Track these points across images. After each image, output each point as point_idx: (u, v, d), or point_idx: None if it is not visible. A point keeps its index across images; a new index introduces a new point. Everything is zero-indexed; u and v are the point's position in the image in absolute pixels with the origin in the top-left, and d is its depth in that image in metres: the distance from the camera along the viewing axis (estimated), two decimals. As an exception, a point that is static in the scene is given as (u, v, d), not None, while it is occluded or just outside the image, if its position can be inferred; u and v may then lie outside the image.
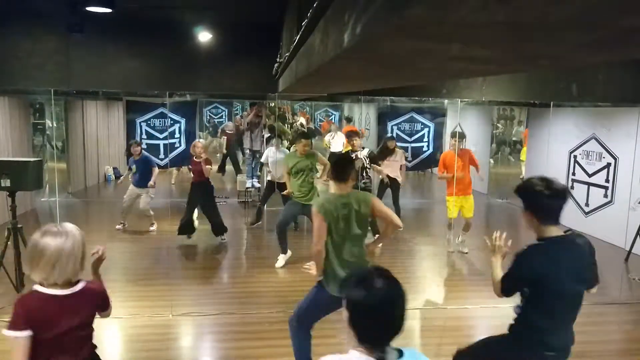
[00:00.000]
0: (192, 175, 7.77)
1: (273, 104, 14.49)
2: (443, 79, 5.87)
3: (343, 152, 13.28)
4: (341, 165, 3.69)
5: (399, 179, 8.57)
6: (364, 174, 7.56)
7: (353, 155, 7.71)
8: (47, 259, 2.26)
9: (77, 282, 2.40)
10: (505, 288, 2.74)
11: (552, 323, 2.61)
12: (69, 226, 2.49)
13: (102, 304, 2.52)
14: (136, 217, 9.01)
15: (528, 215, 2.61)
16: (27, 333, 2.27)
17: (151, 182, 8.15)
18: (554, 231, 2.59)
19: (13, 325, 2.29)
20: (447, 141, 13.07)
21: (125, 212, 8.54)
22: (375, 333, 1.59)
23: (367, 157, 7.58)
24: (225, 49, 6.56)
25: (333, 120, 18.48)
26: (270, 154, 8.47)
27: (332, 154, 13.36)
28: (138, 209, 8.50)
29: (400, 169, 8.58)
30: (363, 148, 7.79)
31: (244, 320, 5.27)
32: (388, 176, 8.31)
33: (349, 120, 14.63)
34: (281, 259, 6.90)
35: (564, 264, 2.56)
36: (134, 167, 8.31)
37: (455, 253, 7.63)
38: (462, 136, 7.72)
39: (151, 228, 8.63)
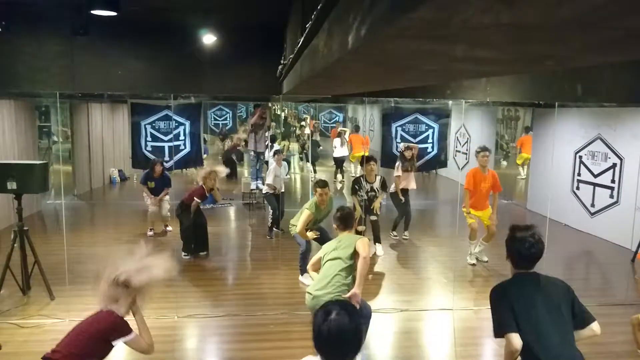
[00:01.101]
0: (188, 198, 7.49)
1: (277, 108, 14.51)
2: (448, 80, 5.85)
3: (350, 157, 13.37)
4: (346, 217, 4.28)
5: (413, 186, 8.50)
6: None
7: (367, 186, 7.42)
8: None
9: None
10: (498, 326, 2.76)
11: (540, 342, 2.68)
12: None
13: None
14: (141, 220, 9.04)
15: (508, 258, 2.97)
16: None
17: (161, 196, 8.48)
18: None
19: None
20: (452, 142, 13.10)
21: (155, 217, 8.67)
22: (327, 354, 1.94)
23: (379, 189, 7.46)
24: (229, 51, 6.57)
25: (342, 125, 18.49)
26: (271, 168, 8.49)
27: (336, 159, 13.42)
28: (161, 215, 8.67)
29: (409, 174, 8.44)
30: (376, 176, 7.53)
31: (249, 322, 5.27)
32: (402, 189, 8.27)
33: (358, 129, 14.55)
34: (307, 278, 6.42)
35: (531, 288, 2.82)
36: (152, 183, 8.50)
37: (475, 264, 7.32)
38: (489, 150, 7.22)
39: (168, 228, 8.75)
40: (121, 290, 2.93)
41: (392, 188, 8.26)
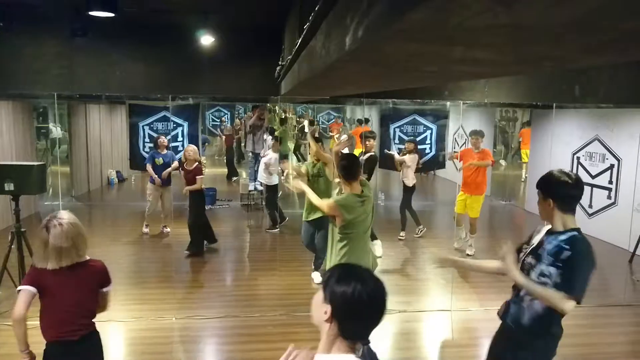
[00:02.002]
0: (184, 182, 7.43)
1: (277, 109, 14.47)
2: (446, 82, 5.86)
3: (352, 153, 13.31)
4: (349, 164, 3.91)
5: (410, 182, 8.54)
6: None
7: (367, 156, 7.64)
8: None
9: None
10: (580, 289, 2.53)
11: None
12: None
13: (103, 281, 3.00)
14: (139, 221, 9.03)
15: (547, 204, 2.69)
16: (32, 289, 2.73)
17: (170, 170, 8.22)
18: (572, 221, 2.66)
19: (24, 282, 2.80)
20: (450, 143, 13.10)
21: (151, 214, 8.51)
22: (363, 328, 1.54)
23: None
24: (227, 52, 6.57)
25: (342, 122, 18.48)
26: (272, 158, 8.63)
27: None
28: (163, 210, 8.56)
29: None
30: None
31: (248, 323, 5.27)
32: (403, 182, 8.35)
33: (364, 121, 14.18)
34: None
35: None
36: (160, 159, 8.22)
37: (460, 251, 7.62)
38: (481, 134, 7.68)
39: (166, 230, 8.68)
40: None
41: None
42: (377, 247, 7.47)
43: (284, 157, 9.08)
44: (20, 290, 2.76)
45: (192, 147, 7.49)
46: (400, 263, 7.54)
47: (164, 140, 8.34)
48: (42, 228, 2.76)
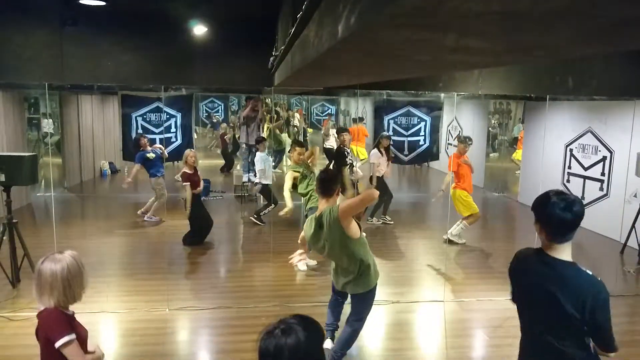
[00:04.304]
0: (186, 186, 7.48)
1: (268, 101, 14.42)
2: (439, 72, 5.85)
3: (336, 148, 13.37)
4: (327, 181, 3.78)
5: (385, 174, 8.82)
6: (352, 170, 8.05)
7: (343, 151, 8.00)
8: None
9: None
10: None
11: None
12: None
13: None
14: (131, 212, 9.00)
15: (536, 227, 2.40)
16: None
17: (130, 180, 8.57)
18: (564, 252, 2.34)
19: (62, 332, 2.42)
20: (444, 135, 13.13)
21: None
22: None
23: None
24: (220, 42, 6.52)
25: (333, 117, 18.45)
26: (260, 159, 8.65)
27: (326, 150, 13.39)
28: (160, 200, 8.70)
29: (388, 165, 8.79)
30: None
31: (241, 314, 5.27)
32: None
33: (359, 120, 14.24)
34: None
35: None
36: (151, 153, 8.45)
37: (452, 243, 7.71)
38: (469, 141, 7.97)
39: (154, 218, 8.81)
40: None
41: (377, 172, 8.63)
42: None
43: (280, 152, 9.08)
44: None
45: (193, 151, 7.63)
46: (393, 254, 7.56)
47: (145, 140, 8.53)
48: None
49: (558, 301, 2.29)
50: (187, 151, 7.52)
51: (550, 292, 2.31)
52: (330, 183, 3.77)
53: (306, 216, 6.46)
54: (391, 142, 8.96)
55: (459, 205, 7.64)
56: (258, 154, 8.60)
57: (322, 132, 14.78)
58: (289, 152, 9.09)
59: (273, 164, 9.32)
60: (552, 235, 2.32)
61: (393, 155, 9.16)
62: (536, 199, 2.41)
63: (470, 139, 8.14)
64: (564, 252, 2.33)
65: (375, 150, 8.59)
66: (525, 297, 2.50)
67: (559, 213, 2.27)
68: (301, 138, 14.59)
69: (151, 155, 8.38)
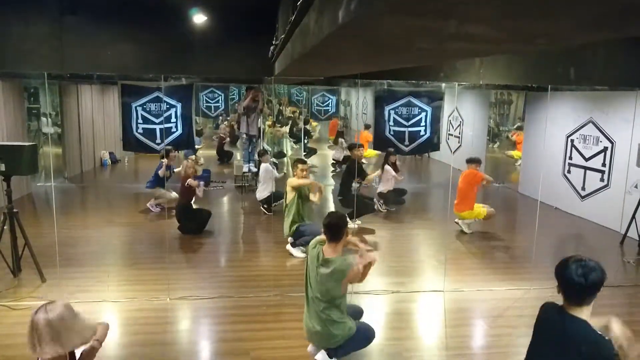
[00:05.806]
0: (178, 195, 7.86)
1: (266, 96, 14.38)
2: (440, 60, 5.82)
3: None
4: (335, 225, 3.77)
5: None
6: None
7: (361, 165, 8.73)
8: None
9: None
10: None
11: None
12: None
13: None
14: (132, 202, 9.00)
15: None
16: None
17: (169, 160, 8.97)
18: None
19: None
20: (445, 125, 13.08)
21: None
22: None
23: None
24: (221, 32, 6.47)
25: (337, 116, 18.37)
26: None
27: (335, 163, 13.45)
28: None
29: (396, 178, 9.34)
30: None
31: (241, 303, 5.29)
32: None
33: (367, 127, 14.12)
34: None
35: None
36: (167, 172, 8.81)
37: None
38: (479, 162, 8.23)
39: (157, 208, 8.95)
40: None
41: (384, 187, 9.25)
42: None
43: (280, 153, 9.25)
44: None
45: (192, 162, 8.12)
46: (394, 244, 7.57)
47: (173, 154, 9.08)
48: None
49: (567, 357, 2.43)
50: (185, 162, 7.96)
51: (559, 347, 2.47)
52: (338, 227, 3.78)
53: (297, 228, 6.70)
54: (396, 158, 9.57)
55: (473, 216, 7.91)
56: (262, 165, 8.82)
57: (332, 140, 14.96)
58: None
59: (277, 175, 9.46)
60: (569, 300, 2.47)
61: (404, 145, 9.45)
62: (558, 263, 2.53)
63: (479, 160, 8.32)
64: (582, 313, 2.45)
65: (387, 166, 9.21)
66: (537, 348, 2.65)
67: (575, 279, 2.39)
68: (301, 137, 14.52)
69: (166, 173, 8.77)
